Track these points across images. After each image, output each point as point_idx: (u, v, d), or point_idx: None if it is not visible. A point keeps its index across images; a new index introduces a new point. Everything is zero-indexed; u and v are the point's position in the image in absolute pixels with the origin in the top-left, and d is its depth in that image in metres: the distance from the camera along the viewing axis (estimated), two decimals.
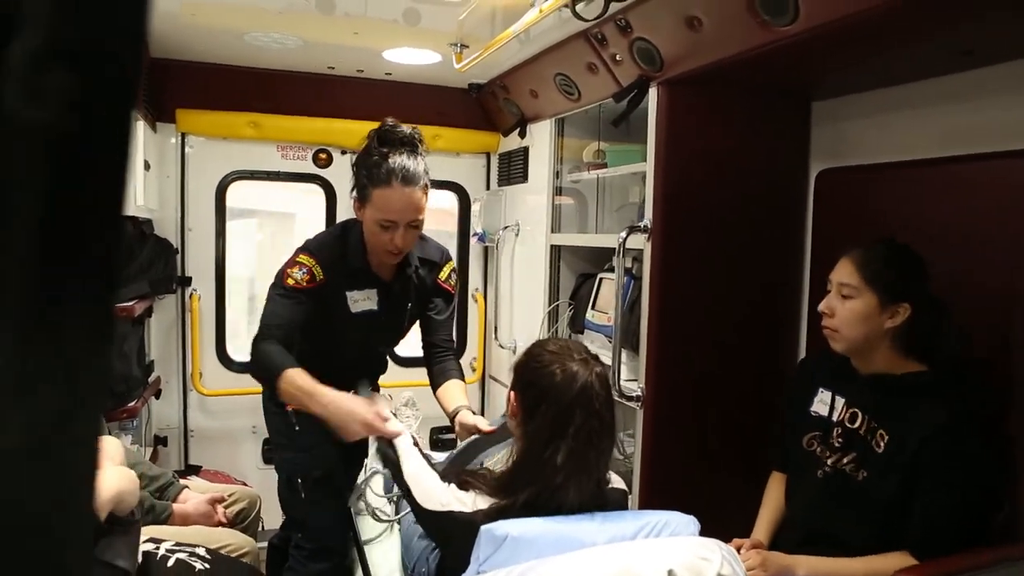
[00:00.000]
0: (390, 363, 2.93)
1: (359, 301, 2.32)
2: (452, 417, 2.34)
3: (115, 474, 1.48)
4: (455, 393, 2.42)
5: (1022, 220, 1.88)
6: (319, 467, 2.48)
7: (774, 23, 1.86)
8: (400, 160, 2.08)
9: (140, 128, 2.92)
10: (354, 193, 2.18)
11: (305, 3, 2.58)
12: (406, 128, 2.16)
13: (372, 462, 2.72)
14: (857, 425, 1.90)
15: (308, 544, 2.55)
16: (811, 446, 2.00)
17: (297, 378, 2.01)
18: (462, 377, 2.52)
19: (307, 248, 2.28)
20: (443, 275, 2.46)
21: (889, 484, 1.77)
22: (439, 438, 4.13)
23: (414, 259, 2.37)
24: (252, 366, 2.15)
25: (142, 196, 2.92)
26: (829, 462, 1.93)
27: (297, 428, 2.48)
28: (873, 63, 2.16)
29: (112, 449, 1.65)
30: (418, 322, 2.55)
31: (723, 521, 2.13)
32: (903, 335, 1.86)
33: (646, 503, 2.47)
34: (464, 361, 4.13)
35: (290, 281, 2.19)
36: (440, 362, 2.53)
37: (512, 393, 1.65)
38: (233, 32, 2.96)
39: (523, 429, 1.60)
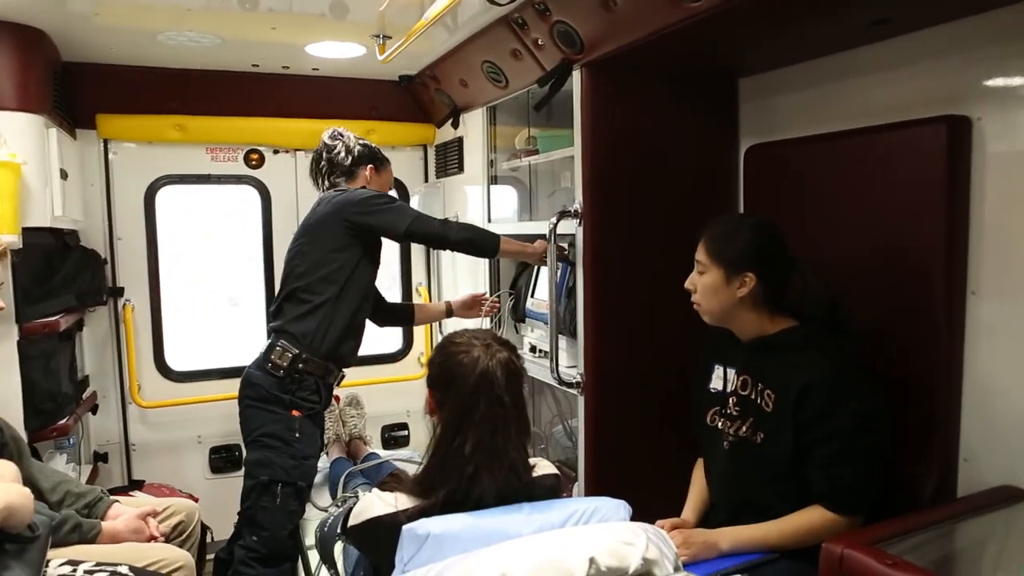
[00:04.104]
0: None
1: None
2: (449, 312, 3.16)
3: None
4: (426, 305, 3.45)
5: (931, 183, 1.91)
6: (310, 478, 2.62)
7: (683, 0, 1.84)
8: None
9: (55, 136, 2.79)
10: (369, 165, 2.87)
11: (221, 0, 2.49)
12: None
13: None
14: (748, 391, 1.96)
15: (264, 548, 2.60)
16: (713, 421, 2.05)
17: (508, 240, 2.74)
18: None
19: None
20: None
21: (785, 440, 1.83)
22: (391, 435, 4.10)
23: None
24: (462, 241, 2.71)
25: (60, 206, 2.80)
26: (731, 431, 1.98)
27: (298, 435, 2.54)
28: (789, 36, 2.17)
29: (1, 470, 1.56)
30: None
31: (666, 503, 2.14)
32: (764, 299, 1.93)
33: (591, 488, 2.46)
34: (411, 356, 4.13)
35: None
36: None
37: (428, 390, 1.63)
38: (145, 32, 2.85)
39: (437, 421, 1.58)
